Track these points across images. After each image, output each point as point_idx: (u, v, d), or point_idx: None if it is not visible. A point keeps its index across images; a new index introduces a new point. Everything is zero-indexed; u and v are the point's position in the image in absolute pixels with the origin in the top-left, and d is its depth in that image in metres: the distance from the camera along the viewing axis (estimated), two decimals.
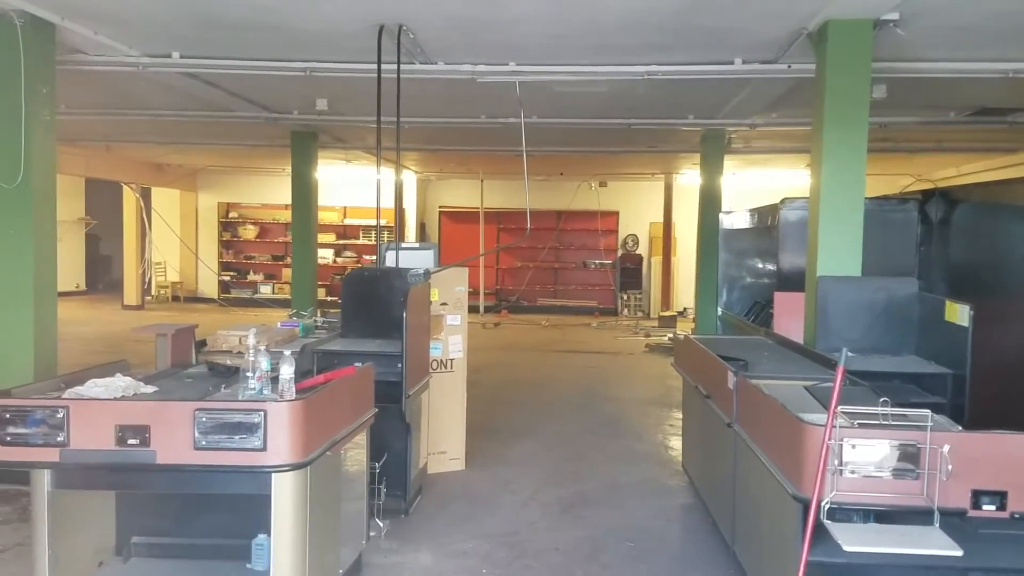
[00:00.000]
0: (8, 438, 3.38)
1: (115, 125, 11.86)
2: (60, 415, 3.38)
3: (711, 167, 12.36)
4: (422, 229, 20.22)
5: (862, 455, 3.18)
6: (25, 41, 5.76)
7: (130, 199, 18.55)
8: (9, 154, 5.84)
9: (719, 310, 10.66)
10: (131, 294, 18.74)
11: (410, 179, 19.13)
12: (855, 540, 3.10)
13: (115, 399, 3.61)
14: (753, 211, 9.40)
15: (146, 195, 19.10)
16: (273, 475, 3.39)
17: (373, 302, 5.80)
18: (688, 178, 17.41)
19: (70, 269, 19.07)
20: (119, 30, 6.53)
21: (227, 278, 20.17)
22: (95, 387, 3.75)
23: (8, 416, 3.38)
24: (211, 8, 5.94)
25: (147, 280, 19.41)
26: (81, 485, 3.69)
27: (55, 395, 3.61)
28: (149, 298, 19.50)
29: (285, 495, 3.43)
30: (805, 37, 6.17)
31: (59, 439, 3.37)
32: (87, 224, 19.98)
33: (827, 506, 3.16)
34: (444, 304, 6.52)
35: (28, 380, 5.16)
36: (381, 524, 5.08)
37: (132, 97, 9.47)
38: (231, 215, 20.40)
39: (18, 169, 5.81)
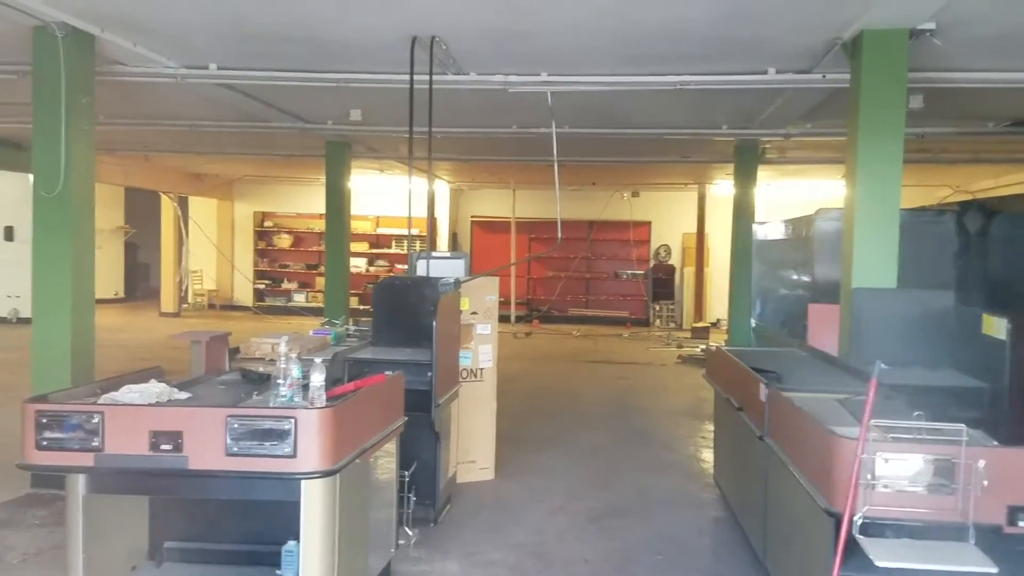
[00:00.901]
0: (45, 443, 3.44)
1: (154, 135, 12.06)
2: (95, 420, 3.43)
3: (745, 177, 12.26)
4: (454, 239, 20.29)
5: (895, 469, 3.13)
6: (66, 52, 5.87)
7: (168, 208, 18.85)
8: (49, 163, 5.95)
9: (753, 322, 10.55)
10: (168, 302, 19.02)
11: (443, 189, 19.22)
12: (887, 555, 3.05)
13: (149, 405, 3.65)
14: (787, 222, 9.30)
15: (184, 204, 19.39)
16: (303, 482, 3.41)
17: (404, 311, 5.83)
18: (722, 188, 17.30)
19: (109, 277, 19.39)
20: (158, 42, 6.64)
21: (262, 286, 20.40)
22: (130, 393, 3.80)
23: (45, 421, 3.44)
24: (248, 20, 6.03)
25: (184, 288, 19.69)
26: (115, 490, 3.74)
27: (91, 400, 3.67)
28: (186, 306, 19.77)
29: (315, 502, 3.46)
30: (840, 47, 6.11)
31: (94, 444, 3.42)
32: (126, 232, 20.31)
33: (859, 521, 3.11)
34: (474, 313, 6.53)
35: (66, 385, 5.25)
36: (410, 532, 5.09)
37: (170, 107, 9.62)
38: (266, 224, 20.63)
39: (58, 178, 5.92)
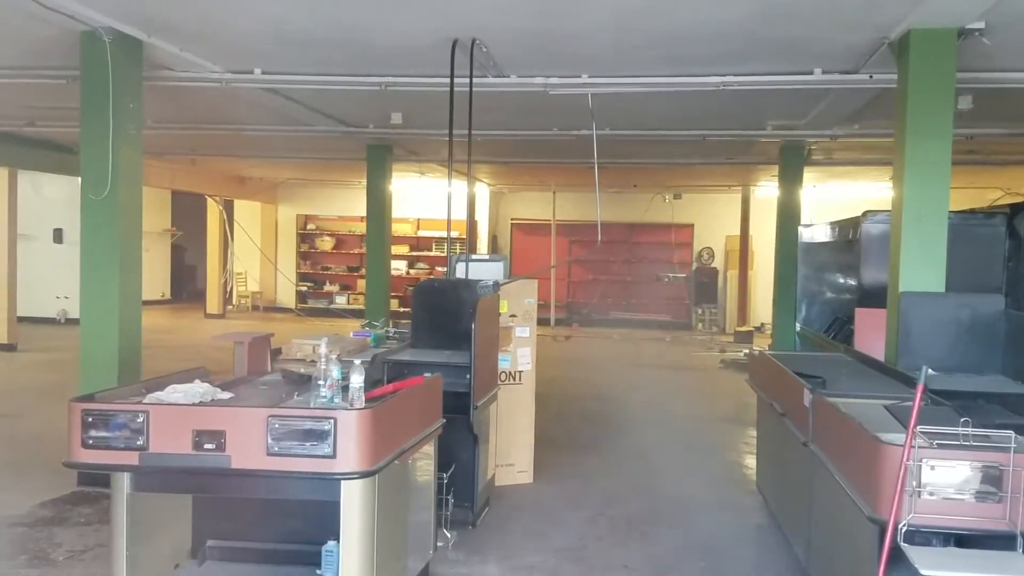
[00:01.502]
0: (91, 441, 3.50)
1: (200, 139, 12.26)
2: (140, 420, 3.48)
3: (790, 179, 12.10)
4: (494, 241, 20.32)
5: (941, 476, 3.05)
6: (113, 57, 5.98)
7: (214, 211, 19.17)
8: (97, 167, 6.06)
9: (797, 326, 10.40)
10: (213, 303, 19.33)
11: (483, 192, 19.26)
12: (933, 564, 2.97)
13: (193, 405, 3.70)
14: (834, 224, 9.16)
15: (229, 207, 19.70)
16: (342, 482, 3.43)
17: (443, 313, 5.84)
18: (766, 190, 17.09)
19: (156, 278, 19.75)
20: (203, 47, 6.75)
21: (304, 288, 20.63)
22: (175, 392, 3.85)
23: (91, 420, 3.50)
24: (291, 25, 6.09)
25: (228, 290, 19.99)
26: (159, 488, 3.79)
27: (136, 400, 3.72)
28: (230, 307, 20.07)
29: (354, 502, 3.47)
30: (887, 47, 6.00)
31: (139, 443, 3.47)
32: (173, 235, 20.67)
33: (904, 528, 3.05)
34: (513, 316, 6.52)
35: (113, 385, 5.35)
36: (449, 535, 5.09)
37: (216, 112, 9.77)
38: (309, 227, 20.88)
39: (106, 182, 6.03)
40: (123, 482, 3.62)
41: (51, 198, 16.49)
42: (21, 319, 13.92)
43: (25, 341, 13.65)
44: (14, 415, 8.84)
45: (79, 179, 6.26)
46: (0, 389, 10.31)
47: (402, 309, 17.71)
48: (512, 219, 20.76)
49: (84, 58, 6.11)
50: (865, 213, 7.60)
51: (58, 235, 16.96)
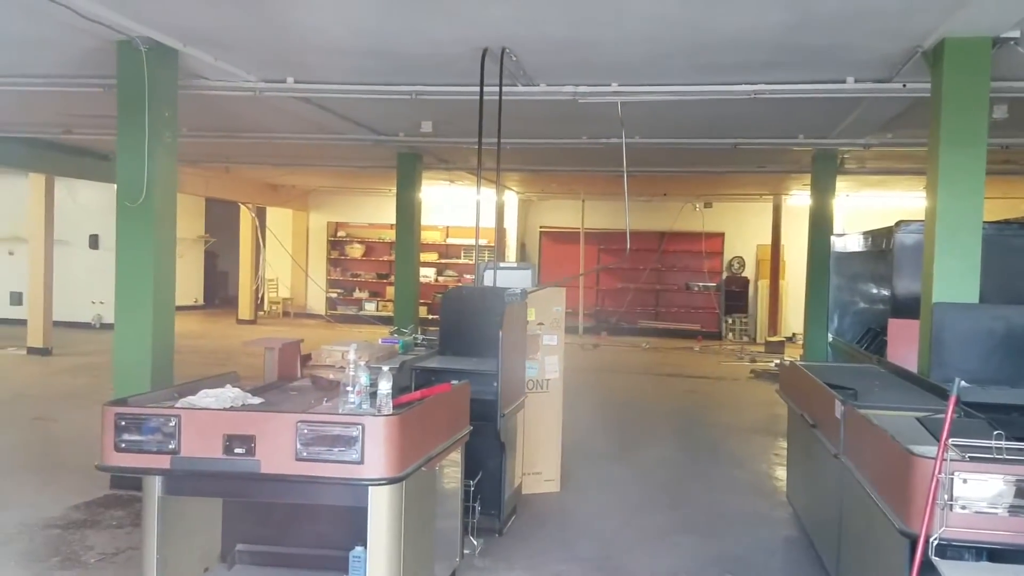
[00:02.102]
0: (123, 445, 3.55)
1: (233, 147, 12.41)
2: (172, 424, 3.53)
3: (822, 188, 11.97)
4: (522, 249, 20.33)
5: (974, 490, 3.01)
6: (149, 66, 6.06)
7: (246, 218, 19.39)
8: (133, 174, 6.15)
9: (829, 336, 10.29)
10: (245, 309, 19.54)
11: (511, 200, 19.29)
12: None
13: (224, 409, 3.74)
14: (866, 234, 9.06)
15: (261, 214, 19.91)
16: (370, 488, 3.45)
17: (470, 320, 5.85)
18: (798, 199, 16.93)
19: (189, 284, 19.98)
20: (237, 56, 6.84)
21: (334, 295, 20.78)
22: (206, 397, 3.90)
23: (124, 424, 3.55)
24: (323, 35, 6.15)
25: (260, 296, 20.18)
26: (190, 492, 3.83)
27: (168, 404, 3.78)
28: (261, 313, 20.26)
29: (381, 508, 3.49)
30: (920, 55, 5.93)
31: (171, 447, 3.52)
32: (206, 242, 20.92)
33: (936, 542, 3.00)
34: (541, 324, 6.52)
35: (145, 389, 5.41)
36: (475, 542, 5.09)
37: (249, 120, 9.89)
38: (339, 234, 21.05)
39: (141, 189, 6.12)
40: (155, 485, 3.67)
41: (87, 204, 16.78)
42: (57, 324, 14.16)
43: (60, 345, 13.88)
44: (49, 418, 8.98)
45: (115, 186, 6.35)
46: (35, 393, 10.49)
47: (430, 316, 17.77)
48: (541, 227, 20.77)
49: (121, 67, 6.21)
50: (898, 223, 7.51)
51: (94, 241, 17.25)
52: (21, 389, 10.74)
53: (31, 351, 13.58)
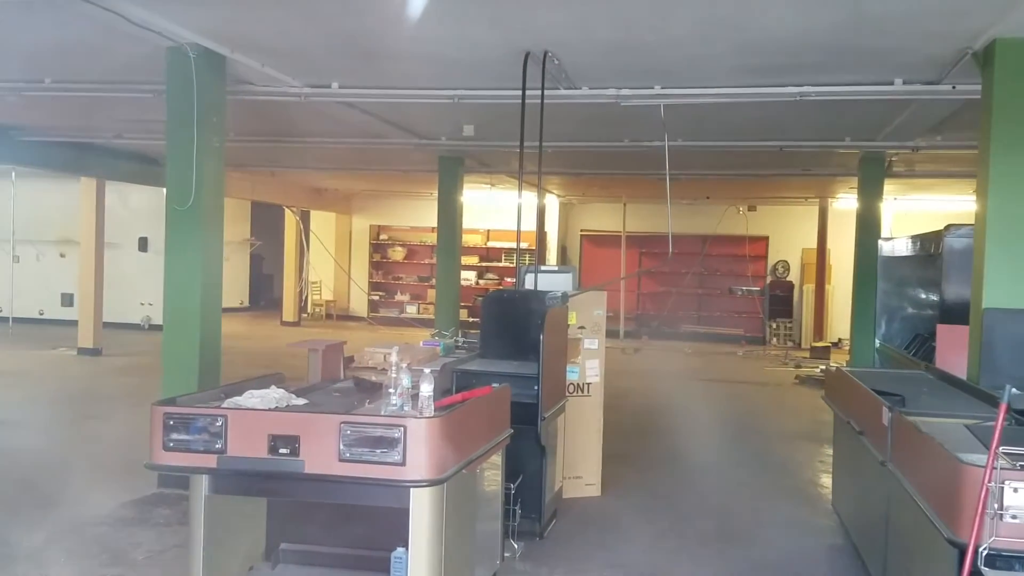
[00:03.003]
0: (171, 444, 3.61)
1: (279, 151, 12.58)
2: (219, 424, 3.58)
3: (869, 191, 11.79)
4: (563, 252, 20.31)
5: None
6: (198, 73, 6.16)
7: (291, 222, 19.64)
8: (182, 178, 6.25)
9: (877, 342, 10.12)
10: (289, 311, 19.79)
11: (552, 203, 19.28)
12: None
13: (269, 410, 3.79)
14: (915, 238, 8.90)
15: (305, 218, 20.16)
16: (412, 489, 3.46)
17: (511, 324, 5.85)
18: (845, 202, 16.68)
19: (235, 287, 20.28)
20: (284, 62, 6.93)
21: (376, 297, 20.95)
22: (252, 398, 3.96)
23: (172, 423, 3.62)
24: (367, 40, 6.21)
25: (304, 298, 20.43)
26: (236, 491, 3.88)
27: (215, 404, 3.84)
28: (305, 315, 20.50)
29: (423, 510, 3.50)
30: (971, 56, 5.81)
31: (217, 446, 3.57)
32: (252, 245, 21.23)
33: (985, 552, 2.94)
34: (582, 328, 6.50)
35: (193, 390, 5.50)
36: (516, 545, 5.10)
37: (294, 125, 10.01)
38: (381, 237, 21.22)
39: (189, 192, 6.23)
40: (202, 484, 3.73)
41: (137, 208, 17.10)
42: (106, 324, 14.46)
43: (110, 346, 14.18)
44: (99, 417, 9.18)
45: (164, 190, 6.47)
46: (85, 392, 10.73)
47: (471, 319, 17.83)
48: (582, 230, 20.73)
49: (170, 73, 6.32)
50: (948, 227, 7.37)
51: (143, 244, 17.58)
52: (72, 389, 10.99)
53: (81, 351, 13.90)
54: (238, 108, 7.84)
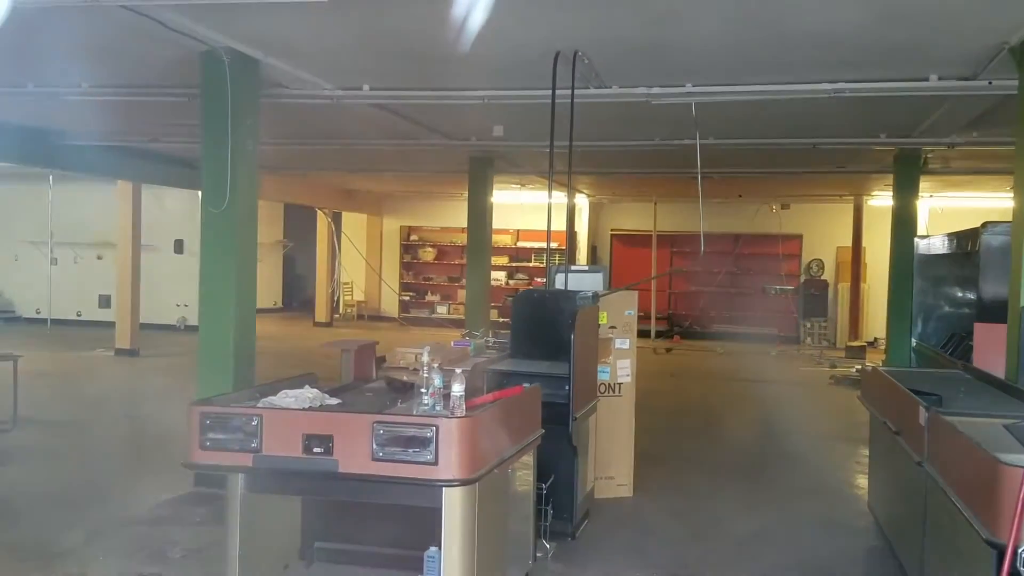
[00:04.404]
0: (208, 443, 3.66)
1: (311, 154, 12.68)
2: (255, 423, 3.62)
3: (905, 189, 11.63)
4: (594, 252, 20.26)
5: None
6: (232, 76, 6.22)
7: (323, 223, 19.79)
8: (217, 181, 6.32)
9: (913, 341, 9.98)
10: (321, 312, 19.93)
11: (583, 203, 19.23)
12: None
13: (303, 410, 3.83)
14: (952, 236, 8.77)
15: (337, 219, 20.30)
16: (444, 489, 3.48)
17: (542, 323, 5.84)
18: (880, 200, 16.46)
19: (269, 288, 20.44)
20: (316, 65, 6.99)
21: (406, 298, 21.06)
22: (286, 398, 4.00)
23: (209, 423, 3.67)
24: (397, 42, 6.25)
25: (335, 299, 20.58)
26: (271, 489, 3.94)
27: (251, 404, 3.88)
28: (337, 316, 20.64)
29: (455, 509, 3.52)
30: (1007, 51, 5.71)
31: (253, 445, 3.61)
32: (285, 246, 21.41)
33: None
34: (613, 327, 6.49)
35: (228, 390, 5.57)
36: (548, 546, 5.09)
37: (326, 127, 10.10)
38: (412, 238, 21.33)
39: (224, 195, 6.29)
40: (237, 483, 3.77)
41: (173, 210, 17.29)
42: (143, 326, 14.67)
43: (147, 347, 14.38)
44: (136, 417, 9.32)
45: (199, 192, 6.54)
46: (123, 392, 10.91)
47: (501, 319, 17.84)
48: (612, 230, 20.66)
49: (204, 77, 6.40)
50: (985, 224, 7.25)
51: (179, 246, 17.79)
52: (110, 389, 11.18)
53: (119, 352, 14.11)
54: (271, 111, 7.92)
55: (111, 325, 14.66)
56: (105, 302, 17.39)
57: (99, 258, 17.96)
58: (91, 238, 17.75)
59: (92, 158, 12.30)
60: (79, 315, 18.09)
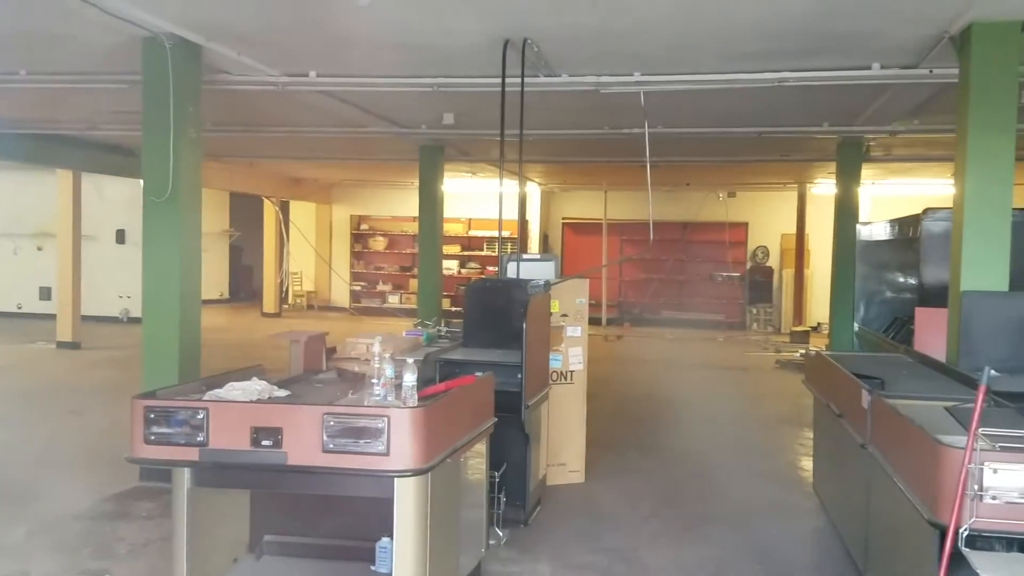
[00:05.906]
0: (152, 437, 3.58)
1: (257, 141, 12.48)
2: (200, 416, 3.56)
3: (848, 176, 11.86)
4: (545, 241, 20.31)
5: (1005, 480, 2.98)
6: (174, 62, 6.10)
7: (270, 212, 19.50)
8: (159, 170, 6.19)
9: (856, 326, 10.21)
10: (269, 302, 19.66)
11: (534, 191, 19.26)
12: (995, 569, 2.91)
13: (251, 402, 3.77)
14: (893, 222, 8.97)
15: (285, 208, 20.00)
16: (396, 479, 3.46)
17: (494, 313, 5.86)
18: (823, 188, 16.77)
19: (215, 278, 20.09)
20: (260, 51, 6.86)
21: (357, 288, 20.88)
22: (233, 390, 3.93)
23: (153, 416, 3.59)
24: (344, 28, 6.16)
25: (284, 289, 20.31)
26: (218, 483, 3.87)
27: (196, 397, 3.81)
28: (286, 306, 20.39)
29: (407, 499, 3.50)
30: (948, 40, 5.84)
31: (199, 439, 3.55)
32: (231, 236, 21.04)
33: (965, 533, 2.97)
34: (564, 316, 6.51)
35: (173, 383, 5.46)
36: (500, 533, 5.11)
37: (272, 114, 9.93)
38: (362, 227, 21.14)
39: (167, 184, 6.17)
40: (184, 477, 3.70)
41: (114, 200, 16.91)
42: (85, 318, 14.34)
43: (88, 339, 14.05)
44: (78, 411, 9.10)
45: (141, 181, 6.41)
46: (65, 386, 10.64)
47: (454, 308, 17.80)
48: (563, 218, 20.74)
49: (145, 63, 6.25)
50: (926, 210, 7.43)
51: (120, 236, 17.40)
52: (51, 383, 10.90)
53: (60, 345, 13.78)
54: (215, 98, 7.76)
55: (52, 318, 14.29)
56: (46, 294, 16.98)
57: (39, 249, 17.48)
58: (31, 229, 17.28)
59: (28, 147, 11.97)
60: (19, 307, 17.62)
